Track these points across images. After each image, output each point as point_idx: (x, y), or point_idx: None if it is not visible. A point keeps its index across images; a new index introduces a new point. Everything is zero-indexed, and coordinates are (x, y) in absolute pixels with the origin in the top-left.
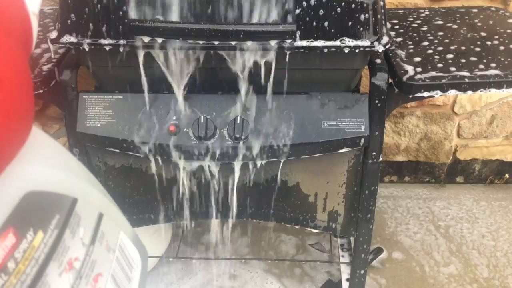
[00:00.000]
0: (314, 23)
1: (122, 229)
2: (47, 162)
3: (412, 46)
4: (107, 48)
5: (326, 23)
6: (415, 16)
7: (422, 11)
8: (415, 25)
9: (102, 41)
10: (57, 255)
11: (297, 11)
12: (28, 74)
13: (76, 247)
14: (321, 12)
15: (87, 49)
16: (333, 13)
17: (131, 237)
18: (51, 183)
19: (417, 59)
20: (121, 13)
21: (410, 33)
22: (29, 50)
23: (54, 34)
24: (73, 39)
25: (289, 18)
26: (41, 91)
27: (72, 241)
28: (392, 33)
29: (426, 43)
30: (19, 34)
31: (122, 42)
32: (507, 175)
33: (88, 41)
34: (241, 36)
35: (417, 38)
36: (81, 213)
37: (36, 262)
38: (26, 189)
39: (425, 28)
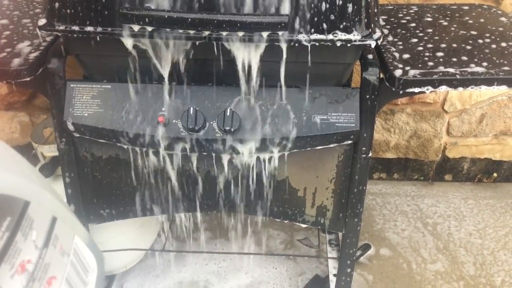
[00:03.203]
0: (307, 16)
1: (76, 233)
2: None
3: (403, 42)
4: (95, 36)
5: (318, 16)
6: (405, 12)
7: (413, 7)
8: (406, 22)
9: (90, 29)
10: (8, 257)
11: (290, 3)
12: None
13: (28, 249)
14: (314, 4)
15: (75, 37)
16: (326, 6)
17: (86, 241)
18: (2, 186)
19: (409, 55)
20: (110, 0)
21: (401, 30)
22: None
23: (42, 21)
24: (61, 26)
25: (282, 10)
26: (27, 79)
27: (25, 244)
28: (385, 31)
29: (417, 40)
30: None
31: (110, 30)
32: (495, 174)
33: (76, 28)
34: (232, 26)
35: (408, 35)
36: (34, 216)
37: None
38: None
39: (417, 24)
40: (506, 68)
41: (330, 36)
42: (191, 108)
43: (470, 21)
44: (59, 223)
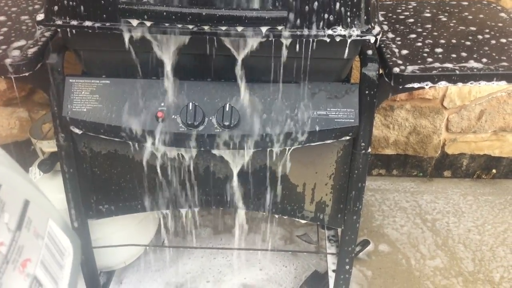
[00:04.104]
0: (306, 11)
1: (51, 216)
2: None
3: (402, 38)
4: (94, 31)
5: (318, 11)
6: (403, 8)
7: (411, 2)
8: (405, 17)
9: (89, 23)
10: None
11: None
12: None
13: (1, 232)
14: (314, 0)
15: (73, 32)
16: (325, 1)
17: (61, 225)
18: None
19: (408, 50)
20: None
21: (400, 25)
22: None
23: (40, 16)
24: (59, 21)
25: (281, 5)
26: (26, 74)
27: None
28: (384, 27)
29: (416, 35)
30: None
31: (109, 25)
32: (494, 170)
33: (75, 23)
34: (232, 21)
35: (407, 30)
36: (5, 199)
37: None
38: None
39: (415, 20)
40: (505, 63)
41: (330, 32)
42: (190, 103)
43: (470, 17)
44: (32, 206)
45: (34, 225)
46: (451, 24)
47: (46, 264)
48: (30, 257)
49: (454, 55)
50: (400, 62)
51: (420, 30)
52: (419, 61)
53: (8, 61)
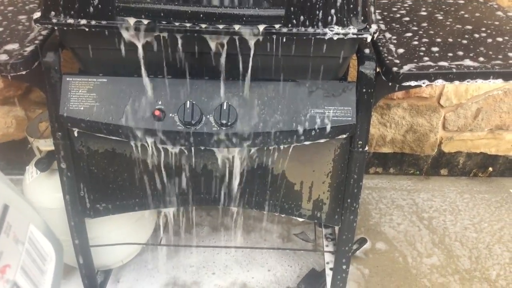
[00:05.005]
0: (303, 9)
1: (31, 221)
2: None
3: (399, 37)
4: (91, 29)
5: (315, 10)
6: (399, 6)
7: (407, 1)
8: (401, 16)
9: (86, 21)
10: None
11: None
12: None
13: None
14: None
15: (70, 30)
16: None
17: (43, 229)
18: None
19: (405, 49)
20: None
21: (396, 24)
22: None
23: (37, 14)
24: (56, 19)
25: (279, 3)
26: (23, 73)
27: None
28: (381, 26)
29: (412, 34)
30: None
31: (105, 23)
32: (490, 168)
33: (71, 21)
34: (229, 19)
35: (403, 29)
36: None
37: None
38: None
39: (411, 19)
40: (502, 62)
41: (327, 30)
42: (188, 102)
43: (466, 15)
44: (11, 211)
45: (14, 230)
46: (448, 23)
47: (27, 269)
48: (9, 263)
49: (450, 54)
50: (397, 61)
51: (416, 28)
52: (416, 60)
53: (5, 59)
